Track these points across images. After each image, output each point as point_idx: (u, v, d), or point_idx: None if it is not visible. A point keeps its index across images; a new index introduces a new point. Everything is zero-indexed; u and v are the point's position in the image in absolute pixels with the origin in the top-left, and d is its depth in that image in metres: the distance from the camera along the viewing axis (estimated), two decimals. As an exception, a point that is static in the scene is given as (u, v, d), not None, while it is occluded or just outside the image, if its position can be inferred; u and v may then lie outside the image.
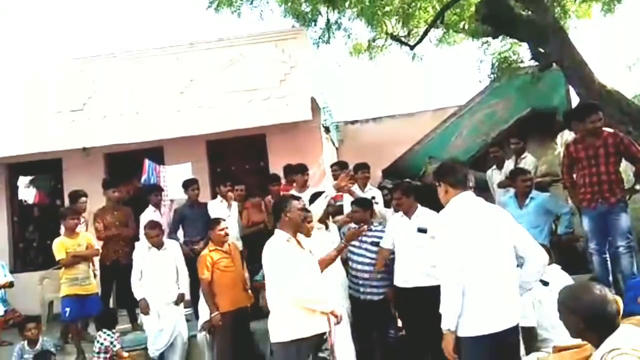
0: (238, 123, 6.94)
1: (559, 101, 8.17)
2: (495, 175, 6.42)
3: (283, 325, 3.35)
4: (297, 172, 6.19)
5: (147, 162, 6.87)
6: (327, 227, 4.89)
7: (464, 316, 2.75)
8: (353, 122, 10.43)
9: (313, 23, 8.88)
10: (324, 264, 3.88)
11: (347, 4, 8.51)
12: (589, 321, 2.05)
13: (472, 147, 8.17)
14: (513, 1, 6.37)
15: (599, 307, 2.03)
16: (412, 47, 8.76)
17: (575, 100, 7.97)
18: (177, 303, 5.30)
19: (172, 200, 6.90)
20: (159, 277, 5.30)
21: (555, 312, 2.85)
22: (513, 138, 6.57)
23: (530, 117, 8.24)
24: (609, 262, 4.61)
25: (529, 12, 6.49)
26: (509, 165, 6.31)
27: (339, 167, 6.59)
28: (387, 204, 6.11)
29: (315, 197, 5.12)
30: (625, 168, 4.81)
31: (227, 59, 7.34)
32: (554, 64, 7.06)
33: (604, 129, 4.63)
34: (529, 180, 5.13)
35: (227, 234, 5.07)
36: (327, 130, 8.32)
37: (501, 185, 6.12)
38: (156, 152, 7.39)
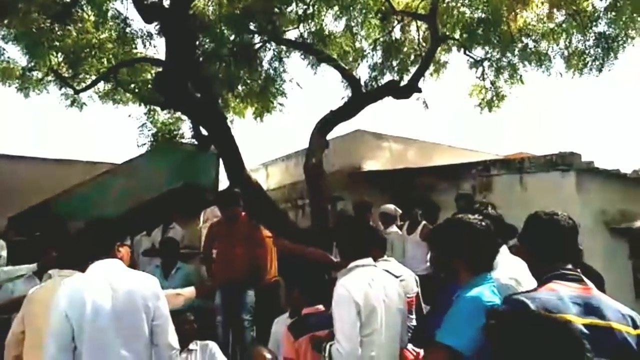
0: None
1: (208, 181, 8.87)
2: (144, 242, 6.40)
3: None
4: None
5: None
6: None
7: None
8: (-19, 155, 8.76)
9: (-50, 28, 7.39)
10: None
11: (6, 21, 7.49)
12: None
13: (120, 209, 7.91)
14: (189, 83, 6.85)
15: None
16: (76, 92, 8.21)
17: (223, 183, 8.93)
18: None
19: None
20: None
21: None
22: (161, 209, 6.77)
23: (182, 190, 8.64)
24: (230, 335, 5.12)
25: (199, 95, 7.09)
26: (156, 234, 6.42)
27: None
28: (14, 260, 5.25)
29: None
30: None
31: None
32: (212, 147, 7.85)
33: (243, 213, 5.35)
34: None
35: None
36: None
37: (146, 253, 6.13)
38: None
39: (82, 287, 2.55)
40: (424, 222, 6.27)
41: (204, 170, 8.77)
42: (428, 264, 5.35)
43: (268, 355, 2.49)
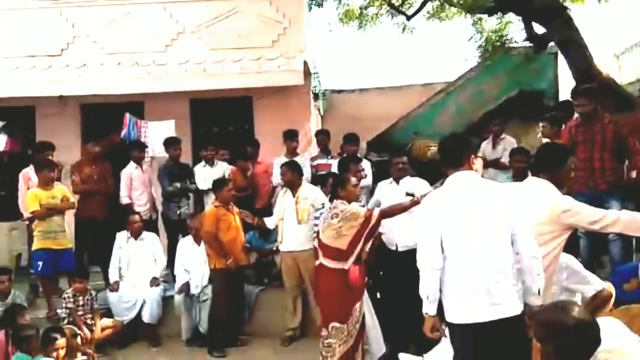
0: (225, 82, 6.68)
1: (547, 85, 8.16)
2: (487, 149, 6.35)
3: None
4: (287, 137, 6.05)
5: (127, 116, 6.58)
6: None
7: (446, 302, 2.67)
8: (339, 92, 10.25)
9: (307, -18, 8.59)
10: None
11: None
12: (563, 351, 1.92)
13: (458, 125, 8.08)
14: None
15: (573, 337, 1.90)
16: (409, 18, 8.54)
17: (563, 85, 8.04)
18: (151, 285, 5.41)
19: (152, 158, 6.68)
20: (135, 266, 5.51)
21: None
22: (495, 119, 6.55)
23: (517, 99, 8.22)
24: (594, 246, 4.68)
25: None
26: (486, 146, 6.28)
27: (325, 136, 6.48)
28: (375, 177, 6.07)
29: (294, 164, 5.12)
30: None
31: (218, 13, 7.01)
32: (549, 46, 7.07)
33: (606, 115, 4.64)
34: (525, 160, 5.04)
35: (234, 195, 5.25)
36: (315, 97, 8.14)
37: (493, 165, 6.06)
38: (136, 107, 7.07)
39: (446, 195, 2.75)
40: None
41: (540, 74, 8.10)
42: None
43: (573, 319, 2.04)
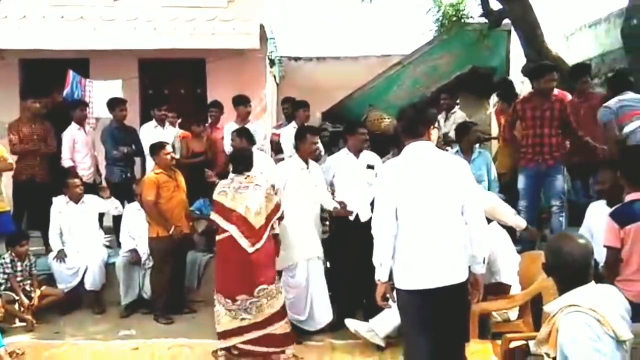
0: (177, 42, 6.41)
1: (498, 62, 8.30)
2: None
3: None
4: (240, 103, 5.90)
5: (71, 73, 6.24)
6: (307, 167, 4.57)
7: (396, 269, 2.72)
8: (296, 59, 10.03)
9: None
10: None
11: None
12: (563, 271, 2.10)
13: (412, 99, 8.13)
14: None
15: (574, 260, 2.06)
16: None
17: (514, 63, 8.19)
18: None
19: (97, 119, 6.38)
20: (77, 231, 5.22)
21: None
22: (443, 94, 6.66)
23: (469, 75, 8.33)
24: (535, 221, 4.86)
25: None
26: (439, 119, 6.37)
27: (290, 104, 6.38)
28: (326, 146, 6.07)
29: (243, 131, 5.02)
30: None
31: (171, -31, 6.65)
32: (504, 23, 7.17)
33: (556, 92, 4.77)
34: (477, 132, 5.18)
35: (172, 158, 4.96)
36: (271, 63, 7.95)
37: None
38: (80, 64, 6.71)
39: (403, 164, 2.79)
40: None
41: (493, 51, 8.20)
42: None
43: (578, 245, 2.16)
